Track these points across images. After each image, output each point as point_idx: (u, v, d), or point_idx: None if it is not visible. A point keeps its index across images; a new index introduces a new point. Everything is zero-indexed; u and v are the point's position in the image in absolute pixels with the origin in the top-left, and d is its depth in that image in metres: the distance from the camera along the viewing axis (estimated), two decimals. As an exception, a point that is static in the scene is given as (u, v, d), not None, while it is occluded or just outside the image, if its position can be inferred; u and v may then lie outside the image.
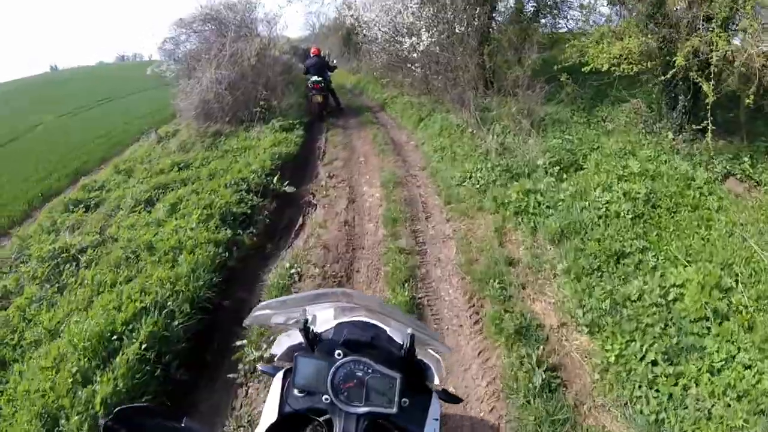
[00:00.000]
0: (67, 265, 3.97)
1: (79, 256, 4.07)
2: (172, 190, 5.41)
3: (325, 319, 1.14)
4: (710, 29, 4.06)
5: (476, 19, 7.14)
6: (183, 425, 0.87)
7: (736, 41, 4.36)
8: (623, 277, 3.06)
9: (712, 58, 3.98)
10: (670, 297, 2.78)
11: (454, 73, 7.36)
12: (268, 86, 8.92)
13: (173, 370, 2.69)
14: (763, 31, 4.03)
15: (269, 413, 1.04)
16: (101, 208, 5.46)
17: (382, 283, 3.58)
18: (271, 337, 2.90)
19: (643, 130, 5.12)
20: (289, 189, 5.45)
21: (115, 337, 2.72)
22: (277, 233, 4.71)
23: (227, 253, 3.83)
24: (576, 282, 3.09)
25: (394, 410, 0.96)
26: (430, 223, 4.57)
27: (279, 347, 1.21)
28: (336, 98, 10.23)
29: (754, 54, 3.90)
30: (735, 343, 2.41)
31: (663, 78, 4.53)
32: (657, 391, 2.29)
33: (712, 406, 2.17)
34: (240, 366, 2.78)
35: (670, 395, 2.26)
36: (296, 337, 1.13)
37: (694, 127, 4.54)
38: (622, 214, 3.66)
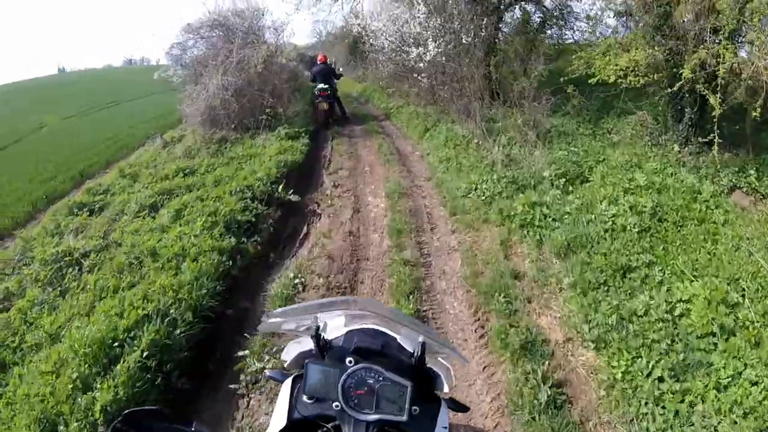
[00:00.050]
0: (70, 269, 3.96)
1: (82, 261, 4.06)
2: (177, 196, 5.40)
3: (335, 326, 1.14)
4: (717, 41, 4.07)
5: (483, 30, 7.20)
6: (193, 430, 0.86)
7: (743, 53, 4.36)
8: (629, 291, 3.03)
9: (719, 70, 3.98)
10: (677, 312, 2.76)
11: (460, 83, 7.39)
12: (275, 94, 8.92)
13: (174, 379, 2.66)
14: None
15: (278, 419, 1.03)
16: (105, 212, 5.47)
17: (387, 295, 3.55)
18: (273, 348, 2.88)
19: (649, 143, 5.12)
20: (294, 198, 5.42)
21: (116, 343, 2.70)
22: (281, 242, 4.69)
23: (231, 262, 3.80)
24: (582, 296, 3.06)
25: (405, 418, 0.95)
26: (435, 234, 4.55)
27: (288, 354, 1.21)
28: (342, 107, 10.26)
29: (762, 66, 3.90)
30: (742, 359, 2.38)
31: (669, 90, 4.54)
32: (663, 407, 2.27)
33: (719, 423, 2.14)
34: (242, 377, 2.76)
35: (677, 412, 2.24)
36: (306, 344, 1.13)
37: (700, 139, 4.53)
38: (628, 227, 3.64)
